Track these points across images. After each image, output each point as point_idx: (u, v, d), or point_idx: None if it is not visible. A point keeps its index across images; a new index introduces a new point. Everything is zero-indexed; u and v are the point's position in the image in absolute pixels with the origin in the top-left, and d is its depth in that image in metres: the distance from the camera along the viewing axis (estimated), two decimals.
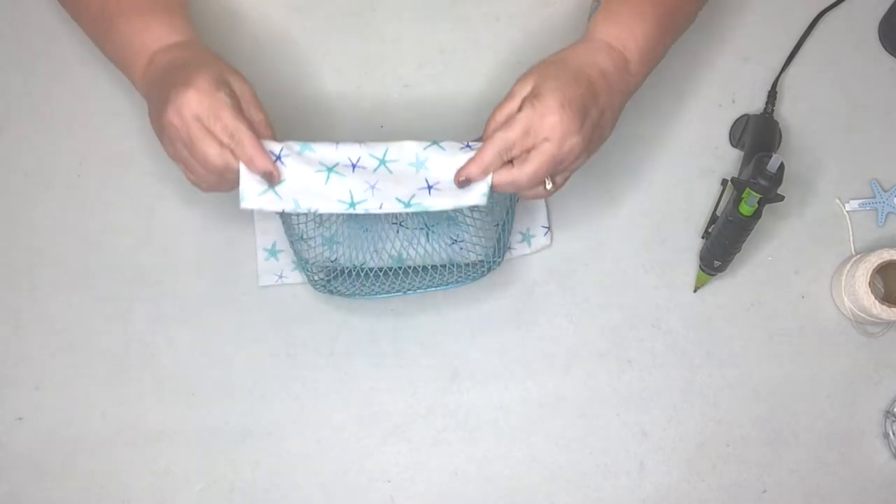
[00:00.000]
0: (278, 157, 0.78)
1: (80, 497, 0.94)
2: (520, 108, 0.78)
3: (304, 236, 0.87)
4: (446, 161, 0.78)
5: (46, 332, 0.96)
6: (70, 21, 0.98)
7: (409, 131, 1.00)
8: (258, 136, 0.77)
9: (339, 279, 0.91)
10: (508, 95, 0.80)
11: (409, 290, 0.91)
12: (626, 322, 0.98)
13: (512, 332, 0.98)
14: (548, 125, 0.76)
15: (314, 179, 0.78)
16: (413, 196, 0.78)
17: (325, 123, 1.00)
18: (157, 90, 0.80)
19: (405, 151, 0.79)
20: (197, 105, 0.76)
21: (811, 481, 0.96)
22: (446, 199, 0.78)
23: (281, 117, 0.99)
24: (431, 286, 0.91)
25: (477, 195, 0.78)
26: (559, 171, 0.80)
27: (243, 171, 0.77)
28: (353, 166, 0.78)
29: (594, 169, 0.99)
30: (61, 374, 0.96)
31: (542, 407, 0.96)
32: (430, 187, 0.78)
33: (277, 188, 0.78)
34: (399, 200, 0.78)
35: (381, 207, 0.78)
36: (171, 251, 0.98)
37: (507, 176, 0.78)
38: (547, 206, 0.98)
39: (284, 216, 0.87)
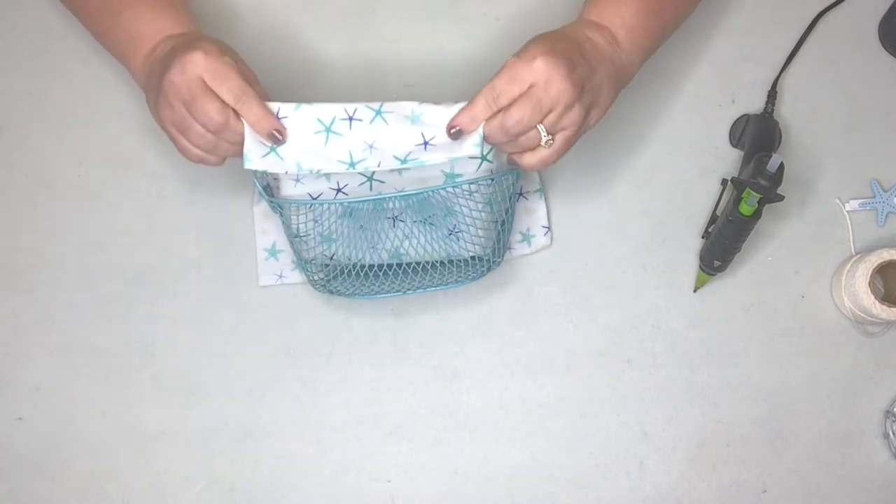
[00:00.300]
0: (277, 118, 0.79)
1: (80, 497, 0.94)
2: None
3: (300, 233, 0.87)
4: (441, 113, 0.79)
5: (46, 332, 0.96)
6: (71, 20, 0.98)
7: None
8: None
9: (338, 279, 0.91)
10: (494, 87, 0.79)
11: (409, 289, 0.91)
12: (626, 322, 0.98)
13: (512, 332, 0.98)
14: (533, 69, 0.76)
15: (314, 140, 0.79)
16: (410, 153, 0.79)
17: None
18: (159, 67, 0.81)
19: (401, 106, 0.80)
20: (203, 65, 0.77)
21: (811, 481, 0.96)
22: (441, 153, 0.79)
23: None
24: (431, 286, 0.91)
25: (469, 145, 0.79)
26: (556, 127, 0.79)
27: (248, 132, 0.78)
28: (350, 119, 0.79)
29: (594, 168, 0.99)
30: (61, 375, 0.96)
31: (542, 407, 0.96)
32: (426, 143, 0.79)
33: (280, 150, 0.79)
34: (396, 157, 0.79)
35: (379, 165, 0.79)
36: (171, 251, 0.98)
37: (495, 123, 0.78)
38: (547, 206, 0.98)
39: (285, 216, 0.87)
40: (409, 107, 0.80)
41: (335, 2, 1.02)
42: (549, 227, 0.98)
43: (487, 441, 0.96)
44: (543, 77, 0.76)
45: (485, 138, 0.79)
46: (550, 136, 0.80)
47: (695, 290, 0.98)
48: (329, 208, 0.86)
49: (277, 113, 0.79)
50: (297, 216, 0.86)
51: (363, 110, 0.80)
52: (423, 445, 0.96)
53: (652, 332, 0.98)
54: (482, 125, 0.78)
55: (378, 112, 0.80)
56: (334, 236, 0.88)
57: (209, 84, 0.77)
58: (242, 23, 1.01)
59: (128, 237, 0.98)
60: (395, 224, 0.90)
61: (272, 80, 1.00)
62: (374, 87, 1.01)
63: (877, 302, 0.93)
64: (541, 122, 0.78)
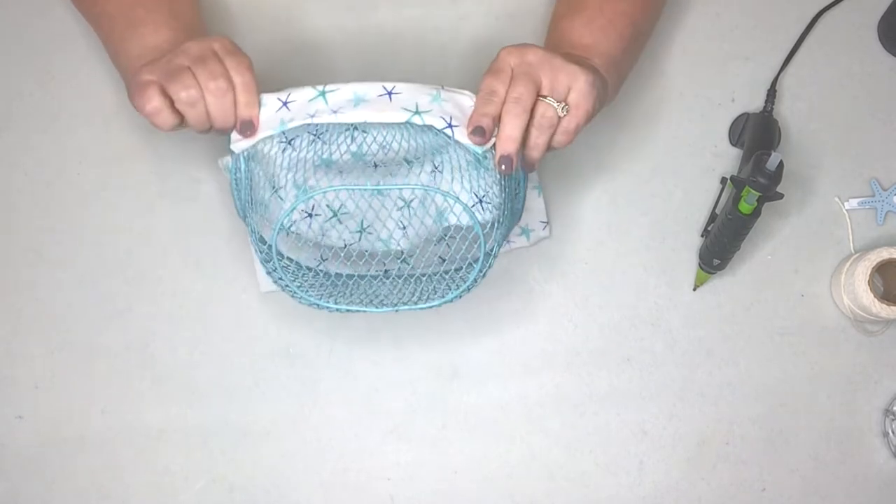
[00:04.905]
0: (285, 104, 0.80)
1: (80, 496, 0.94)
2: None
3: (277, 184, 0.83)
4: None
5: (46, 332, 0.96)
6: (71, 21, 0.98)
7: None
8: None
9: (313, 283, 0.86)
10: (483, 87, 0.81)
11: (388, 302, 0.85)
12: (625, 321, 0.98)
13: (512, 332, 0.98)
14: (503, 58, 0.79)
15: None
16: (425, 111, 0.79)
17: None
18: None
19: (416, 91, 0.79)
20: (222, 41, 0.80)
21: (810, 480, 0.96)
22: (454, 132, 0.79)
23: None
24: (417, 295, 0.85)
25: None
26: (558, 90, 0.79)
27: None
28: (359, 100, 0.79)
29: (594, 168, 0.99)
30: (61, 373, 0.96)
31: (542, 406, 0.96)
32: (450, 125, 0.79)
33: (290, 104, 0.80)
34: (406, 110, 0.78)
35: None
36: (171, 251, 0.98)
37: (506, 118, 0.78)
38: (545, 201, 0.98)
39: (261, 164, 0.83)
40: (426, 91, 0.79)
41: (335, 0, 1.02)
42: (547, 222, 0.98)
43: (487, 440, 0.96)
44: (515, 55, 0.78)
45: (507, 143, 0.78)
46: (563, 103, 0.79)
47: (694, 289, 0.98)
48: (306, 156, 0.83)
49: (287, 97, 0.79)
50: (277, 158, 0.83)
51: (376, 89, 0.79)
52: (423, 444, 0.96)
53: (652, 330, 0.98)
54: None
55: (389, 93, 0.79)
56: (311, 182, 0.84)
57: (222, 58, 0.79)
58: (241, 21, 1.01)
59: (128, 237, 0.98)
60: (377, 169, 0.87)
61: (271, 81, 1.00)
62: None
63: (876, 300, 0.93)
64: (542, 95, 0.79)
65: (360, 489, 0.95)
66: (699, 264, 0.97)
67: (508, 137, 0.78)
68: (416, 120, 0.78)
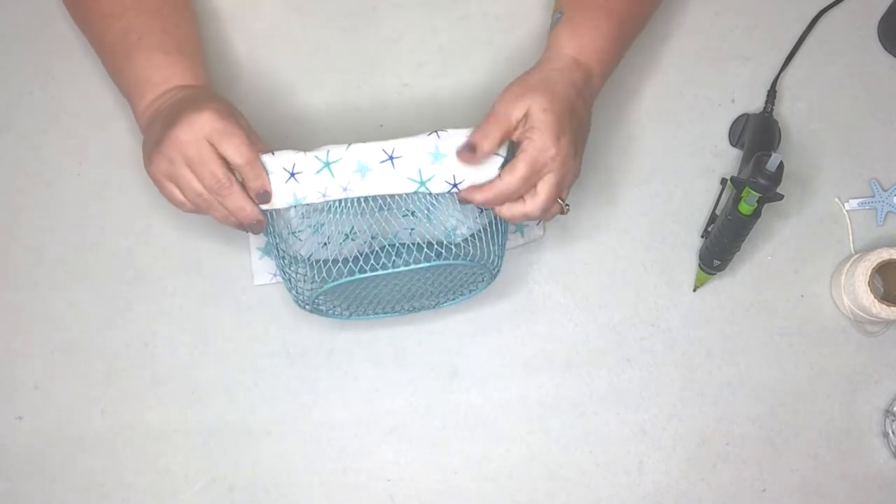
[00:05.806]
0: (292, 175, 0.81)
1: (79, 496, 0.94)
2: (517, 139, 0.82)
3: (293, 229, 0.86)
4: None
5: (46, 332, 0.96)
6: (72, 22, 0.98)
7: (409, 130, 1.00)
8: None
9: (328, 293, 0.88)
10: (499, 113, 0.82)
11: (404, 308, 0.91)
12: (625, 321, 0.98)
13: (512, 332, 0.98)
14: (548, 158, 0.80)
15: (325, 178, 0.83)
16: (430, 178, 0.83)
17: (324, 122, 1.00)
18: (163, 117, 0.82)
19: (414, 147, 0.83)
20: (211, 125, 0.78)
21: (810, 480, 0.96)
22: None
23: (280, 116, 1.00)
24: (427, 304, 0.91)
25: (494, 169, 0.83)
26: (562, 190, 0.84)
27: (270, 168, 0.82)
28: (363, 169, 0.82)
29: (594, 168, 0.99)
30: (61, 374, 0.96)
31: (542, 406, 0.96)
32: (455, 185, 0.83)
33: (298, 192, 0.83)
34: (412, 180, 0.82)
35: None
36: (170, 250, 0.98)
37: (519, 210, 0.83)
38: None
39: (276, 218, 0.86)
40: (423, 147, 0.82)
41: (335, 1, 1.02)
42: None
43: (487, 440, 0.96)
44: (559, 164, 0.81)
45: (505, 220, 0.85)
46: (567, 204, 0.85)
47: (694, 290, 0.98)
48: (316, 203, 0.85)
49: (293, 167, 0.81)
50: (289, 211, 0.86)
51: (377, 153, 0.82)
52: (423, 444, 0.96)
53: (651, 331, 0.98)
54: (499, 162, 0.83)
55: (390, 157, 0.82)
56: (324, 219, 0.86)
57: (215, 144, 0.79)
58: (242, 23, 1.01)
59: (128, 237, 0.98)
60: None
61: (271, 82, 1.00)
62: (373, 86, 1.01)
63: (876, 301, 0.93)
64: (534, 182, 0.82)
65: (360, 489, 0.95)
66: (699, 265, 0.97)
67: (512, 217, 0.84)
68: (423, 190, 0.82)
